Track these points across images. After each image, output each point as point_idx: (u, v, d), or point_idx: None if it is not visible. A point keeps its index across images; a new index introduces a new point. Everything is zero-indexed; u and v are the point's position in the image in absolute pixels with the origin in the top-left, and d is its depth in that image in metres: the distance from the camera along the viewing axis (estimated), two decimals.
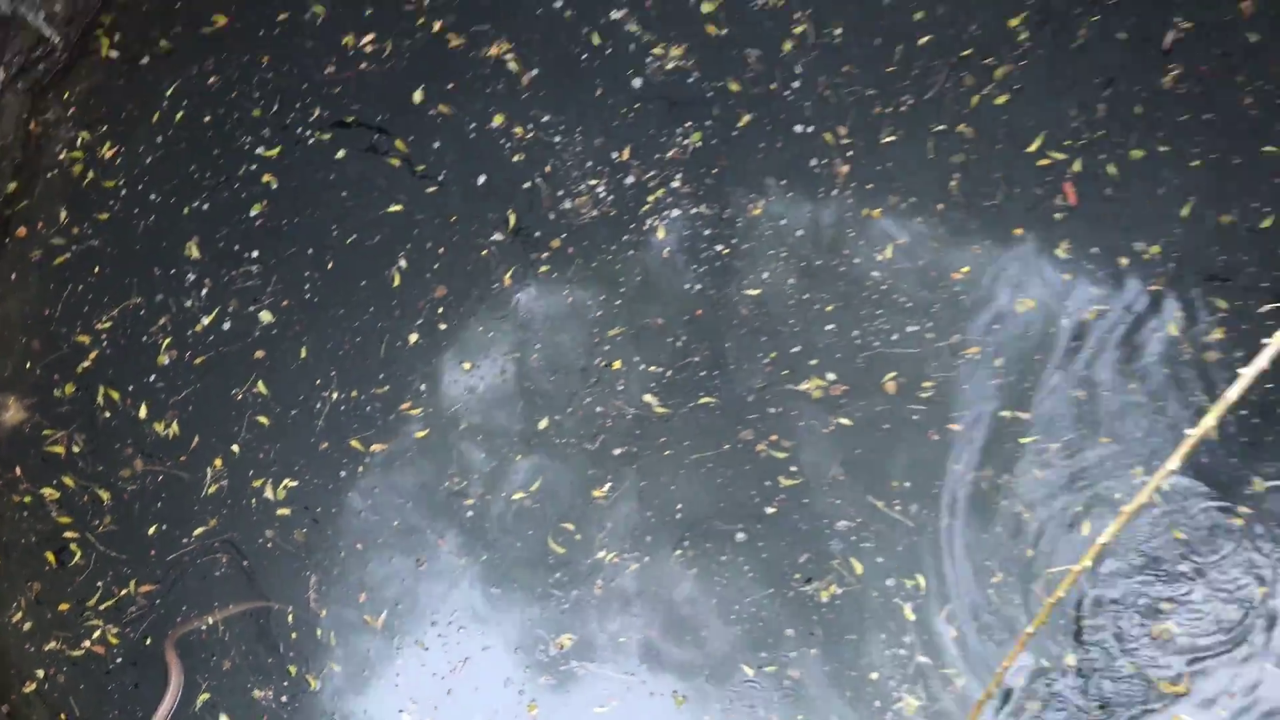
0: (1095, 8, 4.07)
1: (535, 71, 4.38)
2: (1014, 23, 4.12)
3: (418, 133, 4.40)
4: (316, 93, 4.48)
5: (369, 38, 4.52)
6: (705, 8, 4.32)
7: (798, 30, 4.24)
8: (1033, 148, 4.01)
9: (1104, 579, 3.69)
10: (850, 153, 4.12)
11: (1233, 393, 2.34)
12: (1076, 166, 3.98)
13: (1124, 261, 3.89)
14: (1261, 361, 2.28)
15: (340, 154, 4.43)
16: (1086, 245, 3.94)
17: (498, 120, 4.36)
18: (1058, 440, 3.79)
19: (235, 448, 4.27)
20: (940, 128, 4.08)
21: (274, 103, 4.51)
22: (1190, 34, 3.98)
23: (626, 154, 4.25)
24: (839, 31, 4.21)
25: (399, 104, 4.43)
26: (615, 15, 4.38)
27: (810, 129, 4.16)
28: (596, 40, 4.35)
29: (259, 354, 4.34)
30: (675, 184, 4.22)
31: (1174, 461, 2.47)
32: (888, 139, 4.10)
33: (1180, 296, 3.83)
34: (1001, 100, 4.06)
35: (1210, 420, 2.41)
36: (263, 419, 4.28)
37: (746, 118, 4.21)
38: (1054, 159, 4.00)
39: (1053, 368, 3.84)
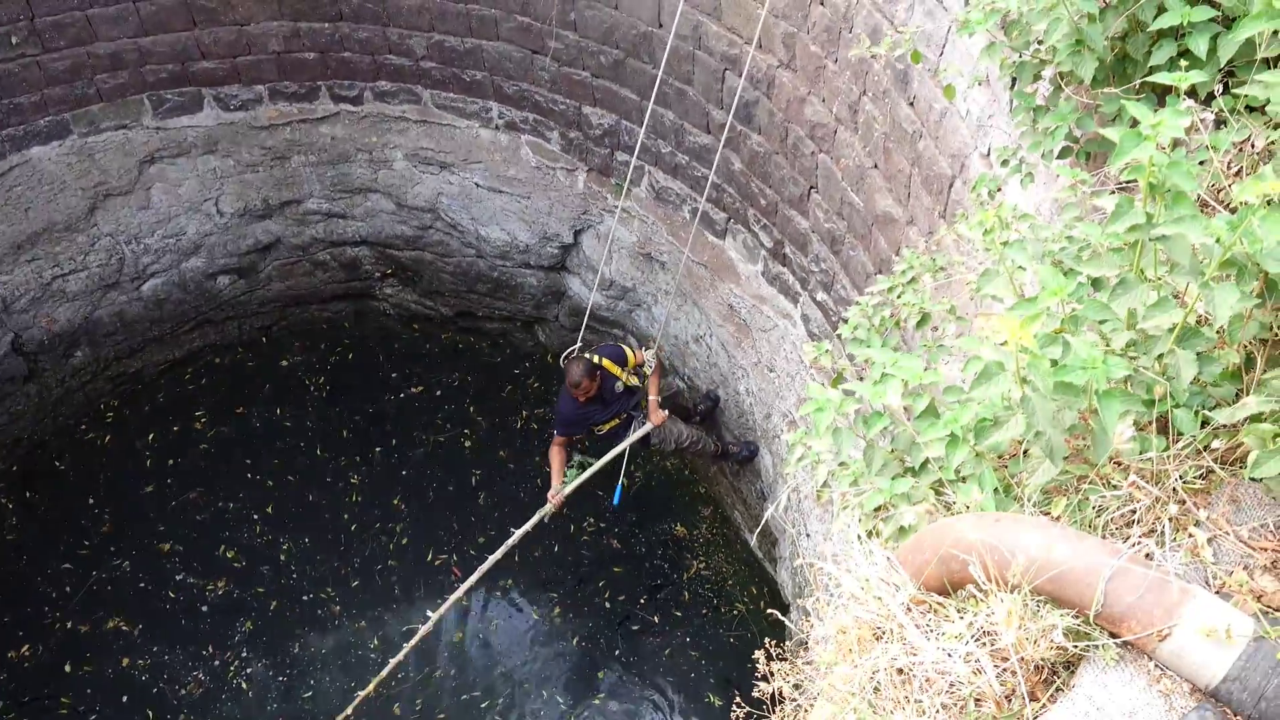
0: None
1: (140, 626, 7.52)
2: None
3: (74, 692, 7.32)
4: None
5: (25, 649, 7.46)
6: None
7: None
8: None
9: None
10: None
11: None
12: None
13: None
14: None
15: None
16: None
17: (125, 662, 7.40)
18: None
19: None
20: None
21: None
22: None
23: (211, 648, 7.42)
24: None
25: (56, 677, 7.34)
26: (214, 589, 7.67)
27: None
28: (172, 595, 7.60)
29: None
30: None
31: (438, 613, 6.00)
32: None
33: None
34: None
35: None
36: None
37: None
38: None
39: None
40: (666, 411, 6.67)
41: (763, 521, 3.50)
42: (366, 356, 9.23)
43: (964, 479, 2.24)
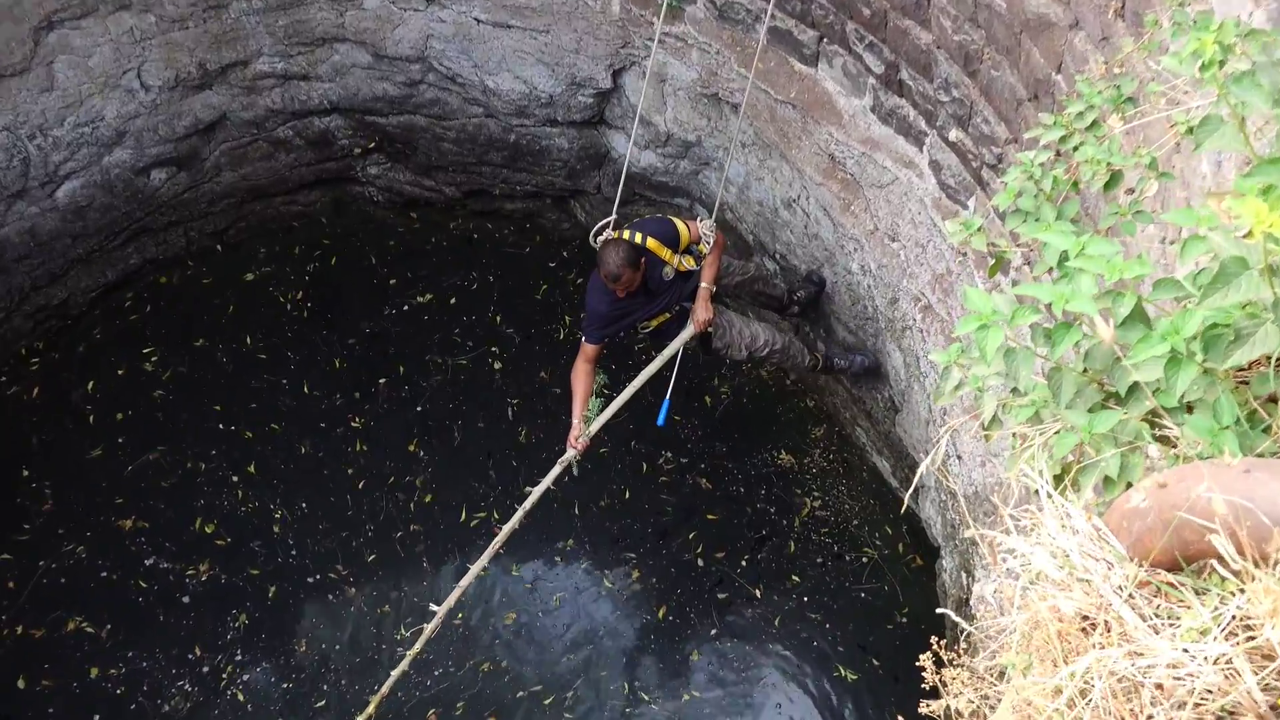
0: None
1: (108, 626, 7.84)
2: None
3: (32, 711, 7.70)
4: None
5: None
6: None
7: None
8: None
9: None
10: None
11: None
12: None
13: None
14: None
15: None
16: None
17: (94, 672, 7.75)
18: None
19: None
20: None
21: None
22: None
23: (199, 650, 7.74)
24: None
25: (7, 694, 7.71)
26: (148, 563, 7.96)
27: None
28: (144, 585, 7.90)
29: None
30: None
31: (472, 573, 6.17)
32: None
33: None
34: None
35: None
36: None
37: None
38: None
39: None
40: (708, 312, 6.46)
41: (913, 485, 3.43)
42: (354, 260, 9.29)
43: (1190, 408, 2.18)
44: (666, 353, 6.56)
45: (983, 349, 2.39)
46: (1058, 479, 2.38)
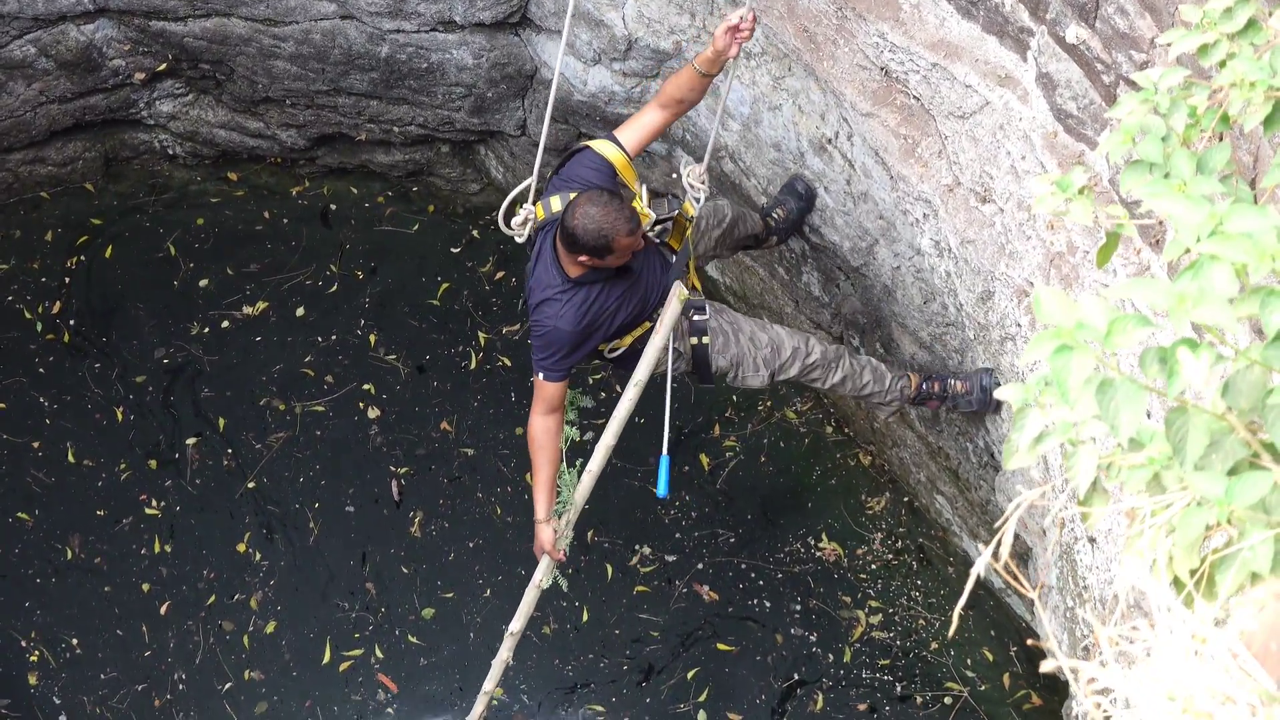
0: None
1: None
2: None
3: None
4: None
5: None
6: None
7: None
8: None
9: None
10: None
11: None
12: None
13: None
14: None
15: None
16: None
17: None
18: None
19: None
20: None
21: None
22: None
23: None
24: None
25: None
26: None
27: None
28: None
29: None
30: None
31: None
32: None
33: None
34: None
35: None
36: None
37: None
38: None
39: None
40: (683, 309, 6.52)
41: (973, 580, 3.32)
42: (140, 251, 9.58)
43: None
44: (642, 373, 6.54)
45: (1060, 382, 2.46)
46: (1190, 576, 2.51)
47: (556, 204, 6.41)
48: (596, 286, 6.37)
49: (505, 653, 6.88)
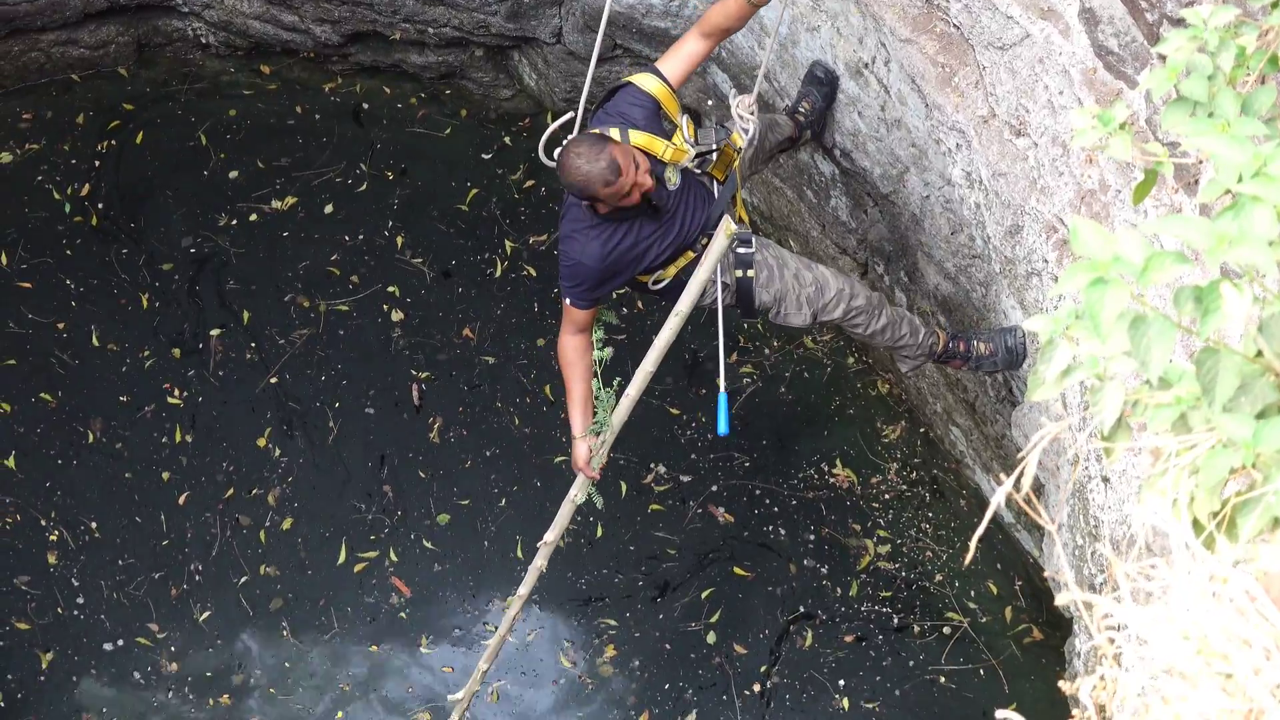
0: None
1: None
2: None
3: None
4: None
5: None
6: None
7: None
8: None
9: None
10: None
11: None
12: None
13: None
14: None
15: None
16: None
17: None
18: None
19: None
20: None
21: None
22: None
23: None
24: None
25: None
26: None
27: None
28: None
29: None
30: None
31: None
32: None
33: None
34: None
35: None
36: None
37: None
38: None
39: None
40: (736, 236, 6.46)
41: (988, 516, 3.24)
42: (171, 138, 9.62)
43: None
44: (685, 304, 6.27)
45: (1094, 315, 2.43)
46: (1210, 518, 2.52)
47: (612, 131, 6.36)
48: (624, 225, 6.40)
49: (540, 560, 6.97)
